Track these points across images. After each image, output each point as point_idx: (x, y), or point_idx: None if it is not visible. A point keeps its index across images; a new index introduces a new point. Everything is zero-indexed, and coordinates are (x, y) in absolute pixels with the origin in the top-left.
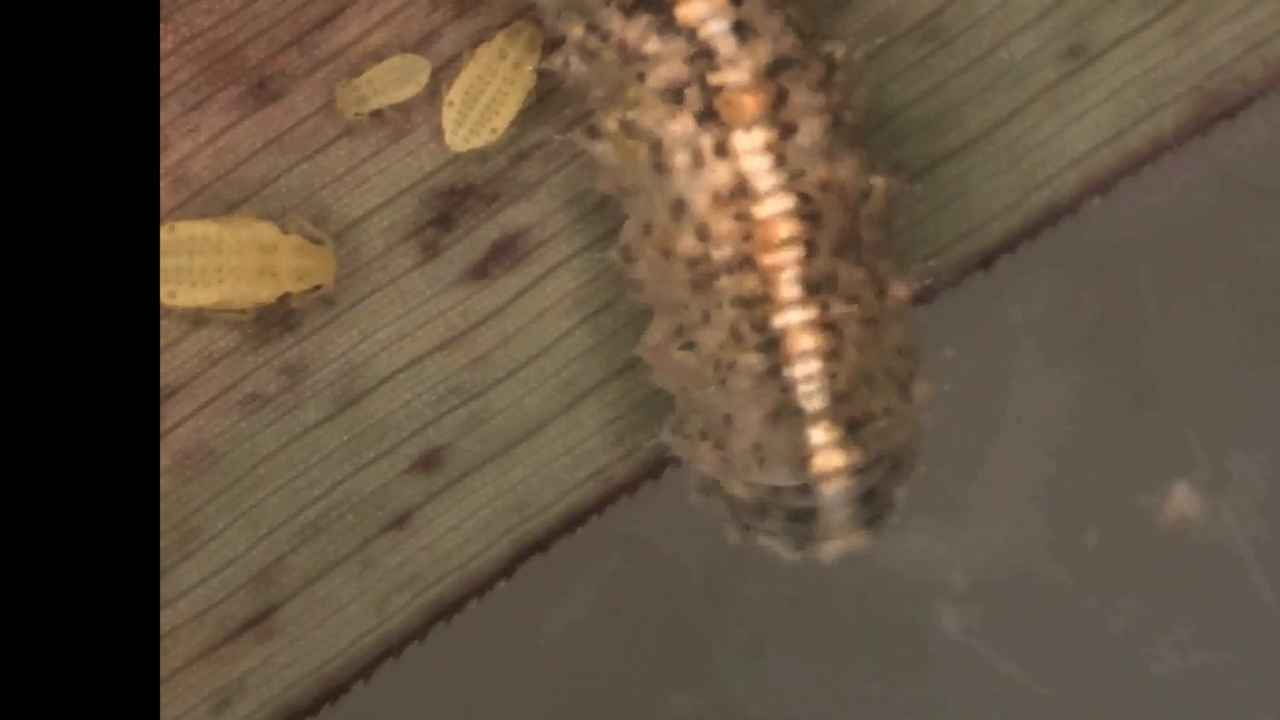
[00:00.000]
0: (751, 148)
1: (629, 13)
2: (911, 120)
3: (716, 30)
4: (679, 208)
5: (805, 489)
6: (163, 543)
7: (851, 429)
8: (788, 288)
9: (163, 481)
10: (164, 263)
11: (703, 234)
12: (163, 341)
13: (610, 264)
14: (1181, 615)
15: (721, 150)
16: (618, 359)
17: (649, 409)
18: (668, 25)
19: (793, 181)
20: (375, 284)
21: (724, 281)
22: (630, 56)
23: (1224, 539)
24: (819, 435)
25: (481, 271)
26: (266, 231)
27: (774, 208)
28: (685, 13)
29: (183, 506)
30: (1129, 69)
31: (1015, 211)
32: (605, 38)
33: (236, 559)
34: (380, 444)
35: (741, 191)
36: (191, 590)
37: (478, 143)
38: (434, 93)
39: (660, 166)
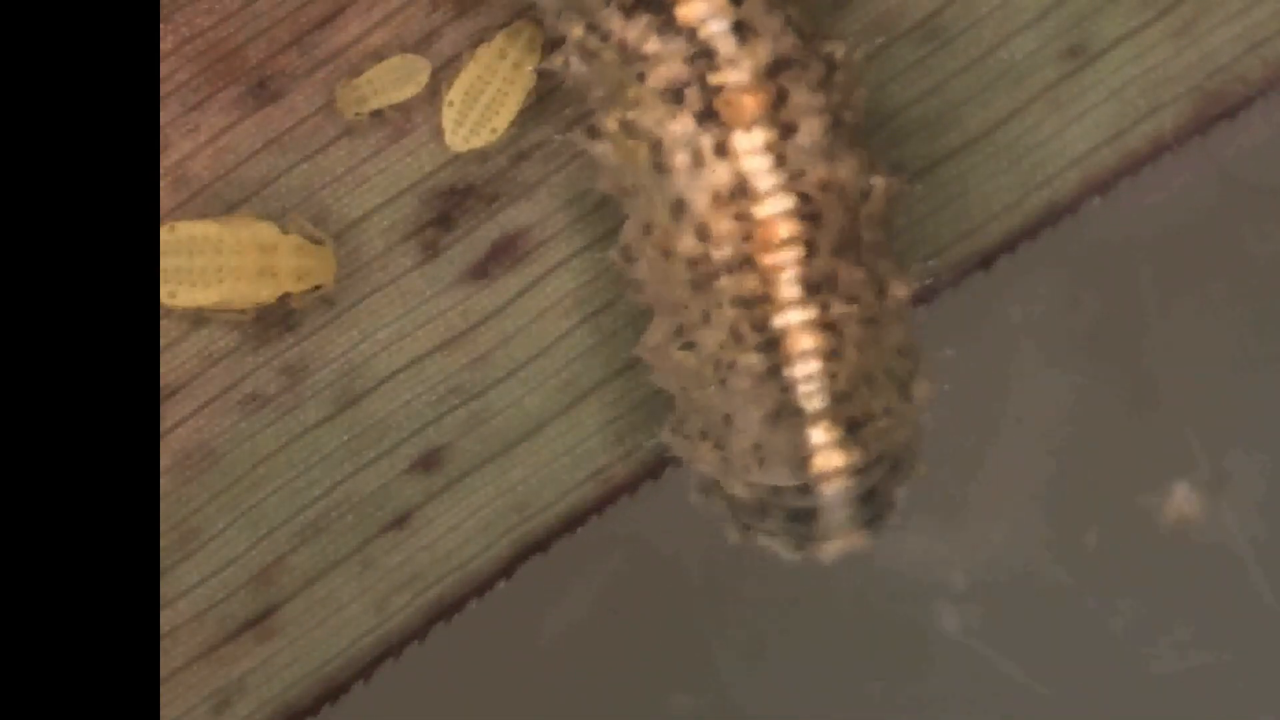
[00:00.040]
0: (751, 148)
1: (629, 13)
2: (911, 120)
3: (716, 30)
4: (679, 208)
5: (805, 489)
6: (163, 543)
7: (851, 429)
8: (788, 288)
9: (163, 481)
10: (164, 263)
11: (703, 234)
12: (163, 341)
13: (610, 264)
14: (1181, 615)
15: (721, 150)
16: (618, 359)
17: (649, 409)
18: (668, 25)
19: (793, 181)
20: (375, 284)
21: (724, 281)
22: (630, 56)
23: (1224, 539)
24: (819, 435)
25: (481, 271)
26: (266, 231)
27: (774, 208)
28: (685, 13)
29: (183, 506)
30: (1129, 69)
31: (1015, 211)
32: (605, 38)
33: (236, 559)
34: (380, 444)
35: (741, 191)
36: (191, 590)
37: (478, 143)
38: (434, 93)
39: (660, 166)
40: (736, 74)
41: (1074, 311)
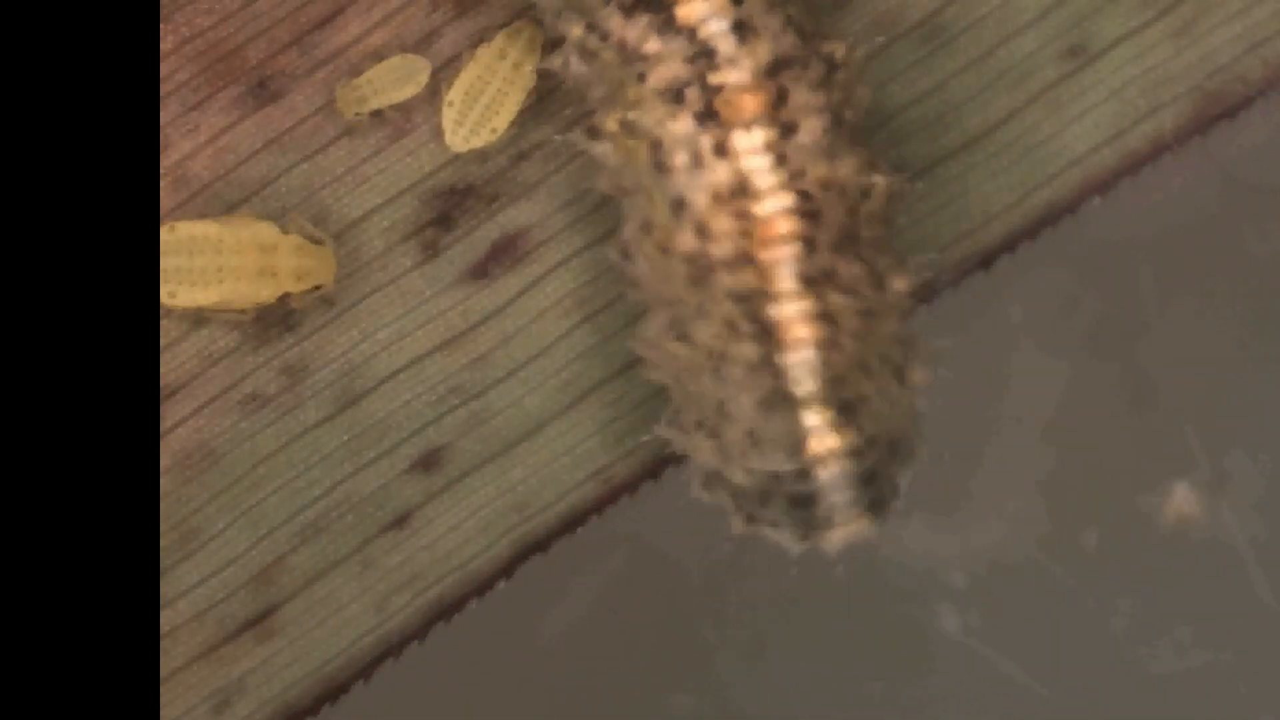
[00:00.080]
0: (751, 147)
1: (629, 13)
2: (911, 120)
3: (716, 30)
4: (679, 206)
5: (803, 473)
6: (163, 543)
7: (844, 411)
8: (785, 282)
9: (163, 481)
10: (164, 263)
11: (702, 232)
12: (163, 341)
13: (610, 263)
14: (1181, 615)
15: (721, 150)
16: (618, 359)
17: (649, 409)
18: (668, 25)
19: (793, 180)
20: (375, 284)
21: (722, 277)
22: (630, 56)
23: (1224, 539)
24: (812, 418)
25: (481, 271)
26: (266, 231)
27: (774, 206)
28: (685, 12)
29: (183, 506)
30: (1129, 69)
31: (1015, 211)
32: (605, 38)
33: (236, 559)
34: (380, 444)
35: (741, 190)
36: (191, 590)
37: (478, 143)
38: (434, 93)
39: (660, 166)
40: (736, 74)
41: (1074, 311)
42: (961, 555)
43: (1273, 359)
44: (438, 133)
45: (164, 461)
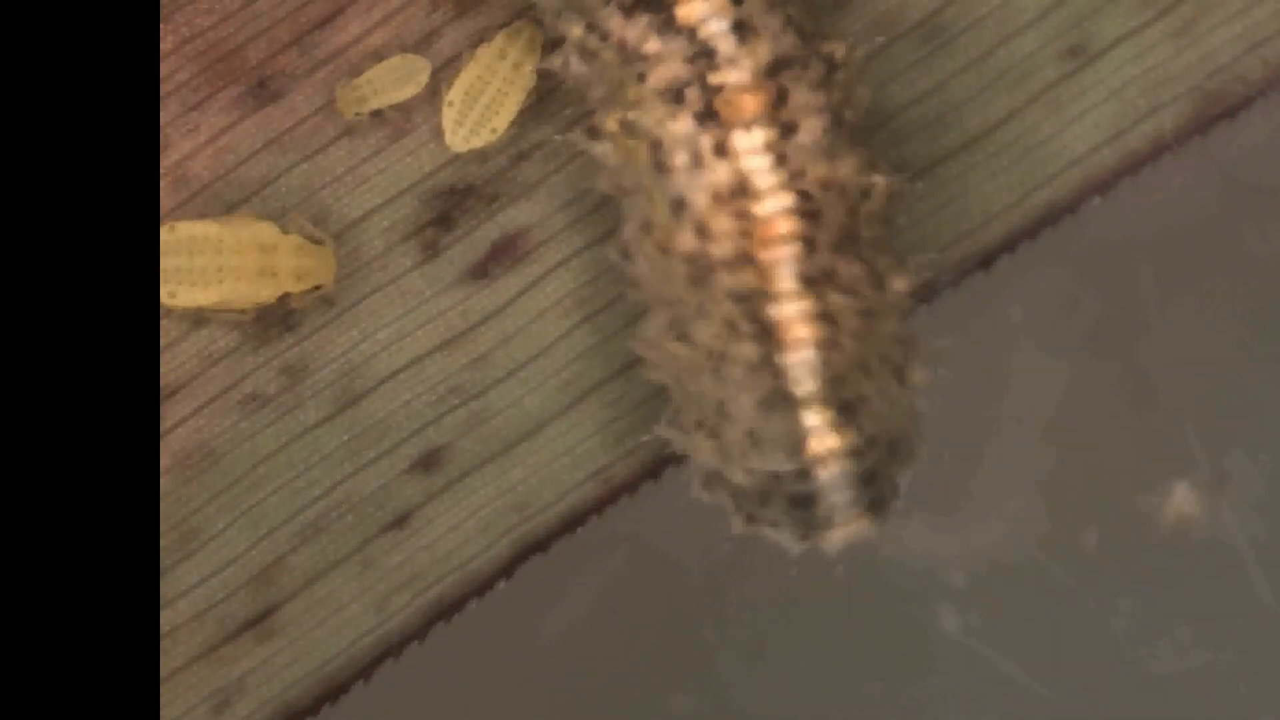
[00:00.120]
0: (751, 147)
1: (629, 13)
2: (911, 120)
3: (716, 30)
4: (679, 206)
5: (803, 473)
6: (163, 543)
7: (844, 411)
8: (785, 282)
9: (163, 481)
10: (164, 263)
11: (702, 232)
12: (163, 341)
13: (610, 263)
14: (1181, 615)
15: (721, 150)
16: (618, 359)
17: (649, 409)
18: (668, 25)
19: (793, 180)
20: (375, 284)
21: (722, 277)
22: (630, 56)
23: (1224, 539)
24: (812, 418)
25: (481, 271)
26: (266, 231)
27: (774, 206)
28: (685, 12)
29: (183, 506)
30: (1129, 69)
31: (1015, 211)
32: (605, 38)
33: (236, 559)
34: (380, 444)
35: (741, 190)
36: (191, 590)
37: (478, 143)
38: (434, 93)
39: (660, 166)
40: (736, 74)
41: (1074, 311)
42: (961, 555)
43: (1273, 359)
44: (438, 133)
45: (164, 461)
